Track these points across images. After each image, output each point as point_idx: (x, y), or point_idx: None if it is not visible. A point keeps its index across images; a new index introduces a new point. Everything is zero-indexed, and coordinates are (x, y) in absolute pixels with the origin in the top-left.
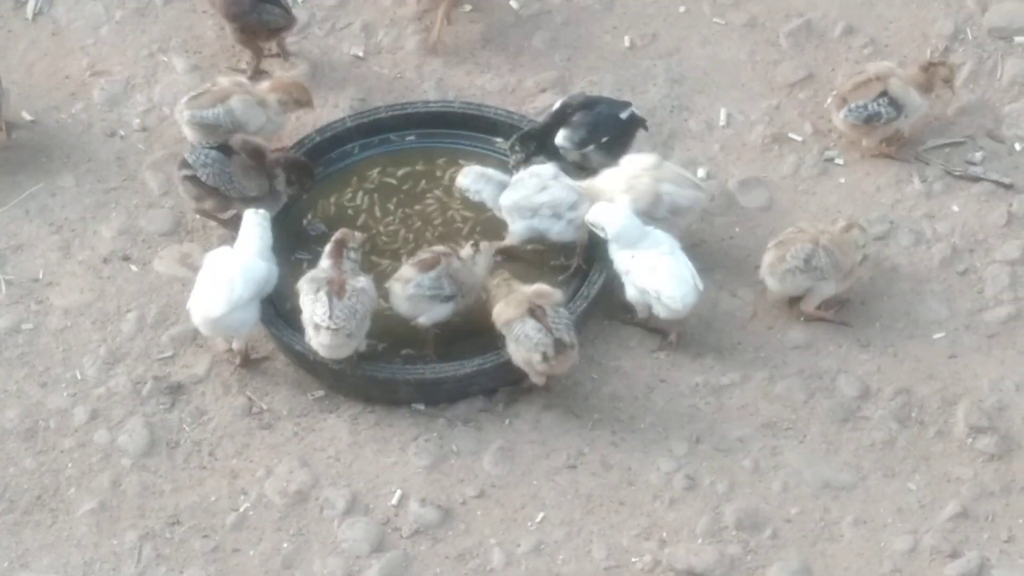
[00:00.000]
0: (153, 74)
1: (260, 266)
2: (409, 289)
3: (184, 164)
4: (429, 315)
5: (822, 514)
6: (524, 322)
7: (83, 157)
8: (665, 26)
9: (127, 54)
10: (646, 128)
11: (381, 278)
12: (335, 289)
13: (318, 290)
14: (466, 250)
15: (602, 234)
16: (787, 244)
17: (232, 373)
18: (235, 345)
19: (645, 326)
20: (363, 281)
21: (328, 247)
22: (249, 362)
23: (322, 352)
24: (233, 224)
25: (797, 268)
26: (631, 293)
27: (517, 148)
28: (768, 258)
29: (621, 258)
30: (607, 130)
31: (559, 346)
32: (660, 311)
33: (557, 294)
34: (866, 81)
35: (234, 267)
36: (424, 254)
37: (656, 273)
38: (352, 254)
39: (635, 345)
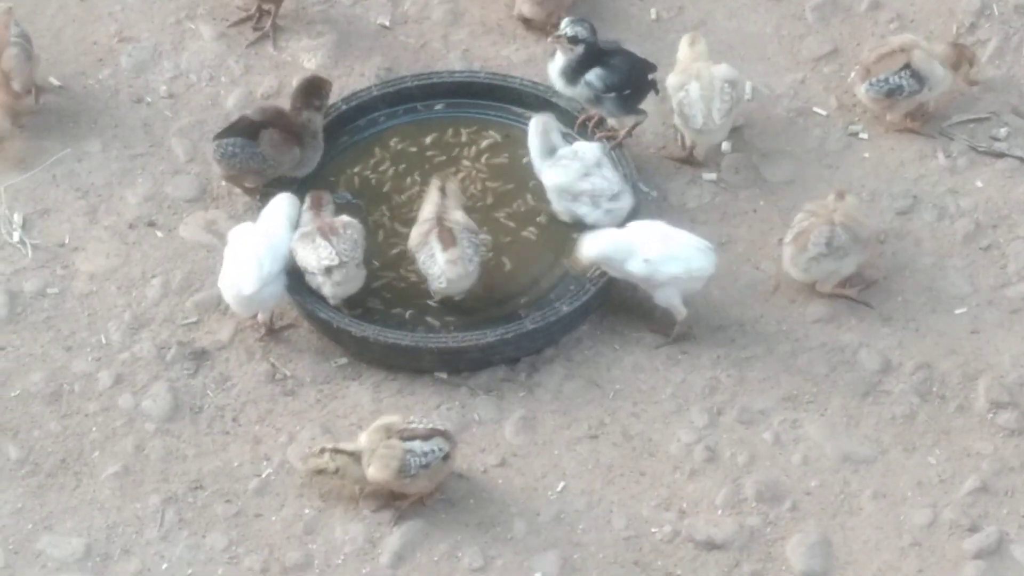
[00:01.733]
0: (180, 41)
1: (285, 239)
2: (420, 263)
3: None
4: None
5: (842, 487)
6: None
7: (110, 123)
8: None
9: (154, 21)
10: (656, 92)
11: (404, 247)
12: (327, 231)
13: (313, 239)
14: (433, 195)
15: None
16: (804, 234)
17: (256, 340)
18: (260, 316)
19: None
20: (345, 217)
21: (306, 203)
22: (273, 331)
23: (338, 291)
24: (259, 193)
25: (821, 254)
26: (664, 295)
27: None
28: (788, 252)
29: (636, 267)
30: (633, 83)
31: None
32: (692, 286)
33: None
34: (890, 53)
35: (260, 243)
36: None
37: (678, 261)
38: (329, 208)
39: (658, 316)
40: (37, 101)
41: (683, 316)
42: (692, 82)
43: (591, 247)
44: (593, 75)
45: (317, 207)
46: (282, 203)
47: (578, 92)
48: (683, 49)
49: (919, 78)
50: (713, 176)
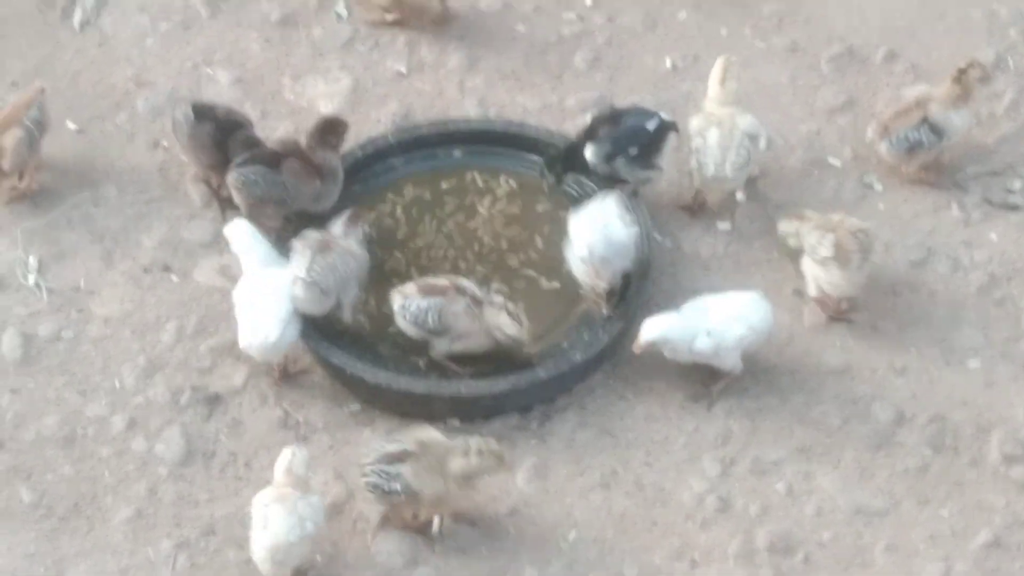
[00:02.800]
0: (197, 86)
1: (281, 276)
2: (395, 307)
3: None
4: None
5: (855, 539)
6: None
7: (126, 167)
8: (707, 48)
9: (172, 65)
10: (677, 131)
11: None
12: (321, 247)
13: (305, 247)
14: (493, 298)
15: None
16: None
17: (269, 385)
18: (275, 360)
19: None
20: (356, 247)
21: (344, 217)
22: (288, 375)
23: (295, 304)
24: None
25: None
26: (732, 359)
27: (546, 172)
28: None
29: (702, 344)
30: (635, 141)
31: None
32: (758, 339)
33: None
34: (906, 109)
35: (265, 290)
36: (438, 279)
37: (739, 321)
38: (361, 230)
39: (671, 366)
40: (23, 184)
41: (739, 371)
42: (712, 129)
43: (652, 330)
44: (589, 154)
45: (354, 222)
46: (247, 238)
47: (604, 173)
48: (713, 85)
49: (938, 131)
50: (727, 226)
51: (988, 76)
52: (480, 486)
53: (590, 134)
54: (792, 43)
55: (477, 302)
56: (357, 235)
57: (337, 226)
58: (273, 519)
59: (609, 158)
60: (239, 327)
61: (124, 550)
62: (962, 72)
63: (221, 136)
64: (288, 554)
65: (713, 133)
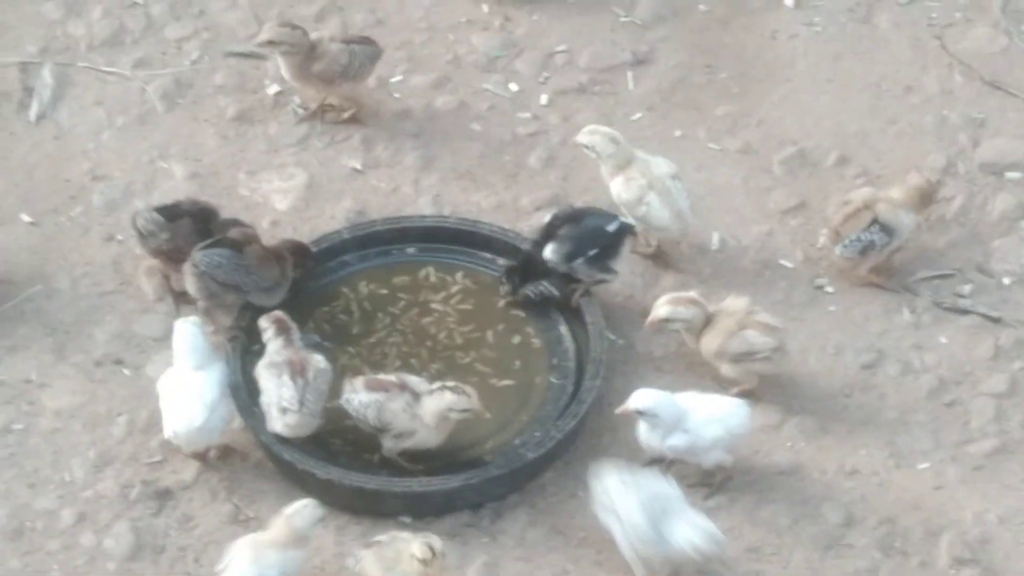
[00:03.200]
0: (152, 180)
1: (215, 368)
2: (342, 399)
3: (196, 265)
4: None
5: None
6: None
7: (80, 260)
8: (661, 150)
9: (128, 159)
10: (635, 234)
11: None
12: (297, 371)
13: (280, 374)
14: (430, 386)
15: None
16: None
17: (220, 480)
18: (211, 451)
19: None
20: (321, 361)
21: (270, 331)
22: (225, 457)
23: (287, 432)
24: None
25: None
26: (712, 457)
27: (503, 281)
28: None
29: (676, 440)
30: (595, 242)
31: None
32: (735, 443)
33: None
34: (855, 212)
35: (194, 379)
36: (388, 376)
37: (717, 422)
38: (295, 331)
39: (622, 465)
40: None
41: (730, 464)
42: (649, 194)
43: (643, 399)
44: (548, 252)
45: (285, 332)
46: (190, 335)
47: (563, 271)
48: (606, 148)
49: (888, 230)
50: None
51: (935, 189)
52: None
53: (550, 233)
54: (745, 145)
55: (416, 396)
56: (311, 341)
57: (273, 344)
58: (237, 561)
59: (569, 258)
60: (164, 416)
61: None
62: (932, 184)
63: (202, 225)
64: None
65: (653, 198)
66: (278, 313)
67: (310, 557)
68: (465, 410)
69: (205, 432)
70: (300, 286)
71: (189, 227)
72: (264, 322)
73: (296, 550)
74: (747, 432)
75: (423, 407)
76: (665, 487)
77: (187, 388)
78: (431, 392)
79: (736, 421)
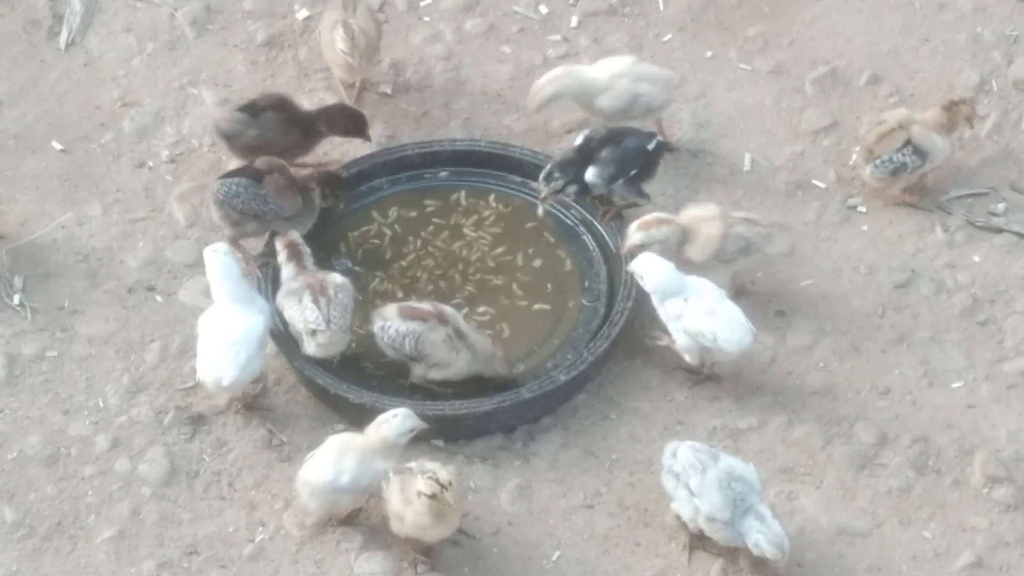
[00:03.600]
0: (183, 106)
1: (255, 321)
2: (375, 328)
3: (215, 193)
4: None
5: (836, 560)
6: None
7: (111, 187)
8: (692, 71)
9: (158, 86)
10: (671, 150)
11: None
12: (317, 291)
13: (300, 299)
14: (471, 331)
15: (643, 284)
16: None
17: (236, 412)
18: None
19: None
20: (338, 277)
21: (282, 255)
22: (251, 407)
23: (320, 353)
24: (259, 258)
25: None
26: (683, 340)
27: (556, 175)
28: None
29: (672, 304)
30: (635, 163)
31: None
32: (716, 355)
33: None
34: (889, 132)
35: (233, 331)
36: (422, 304)
37: (714, 317)
38: (307, 256)
39: (655, 387)
40: None
41: (695, 363)
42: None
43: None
44: (590, 175)
45: (296, 258)
46: (221, 266)
47: (599, 194)
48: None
49: (921, 153)
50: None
51: (974, 115)
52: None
53: (589, 156)
54: (777, 65)
55: (460, 335)
56: (343, 266)
57: (287, 270)
58: (319, 457)
59: (611, 180)
60: (198, 359)
61: (106, 570)
62: (953, 104)
63: (286, 113)
64: (318, 497)
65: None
66: (292, 236)
67: None
68: (501, 367)
69: (233, 388)
70: (331, 213)
71: (273, 118)
72: (278, 244)
73: (384, 460)
74: (734, 354)
75: (471, 344)
76: (744, 470)
77: (224, 339)
78: (474, 330)
79: (727, 336)
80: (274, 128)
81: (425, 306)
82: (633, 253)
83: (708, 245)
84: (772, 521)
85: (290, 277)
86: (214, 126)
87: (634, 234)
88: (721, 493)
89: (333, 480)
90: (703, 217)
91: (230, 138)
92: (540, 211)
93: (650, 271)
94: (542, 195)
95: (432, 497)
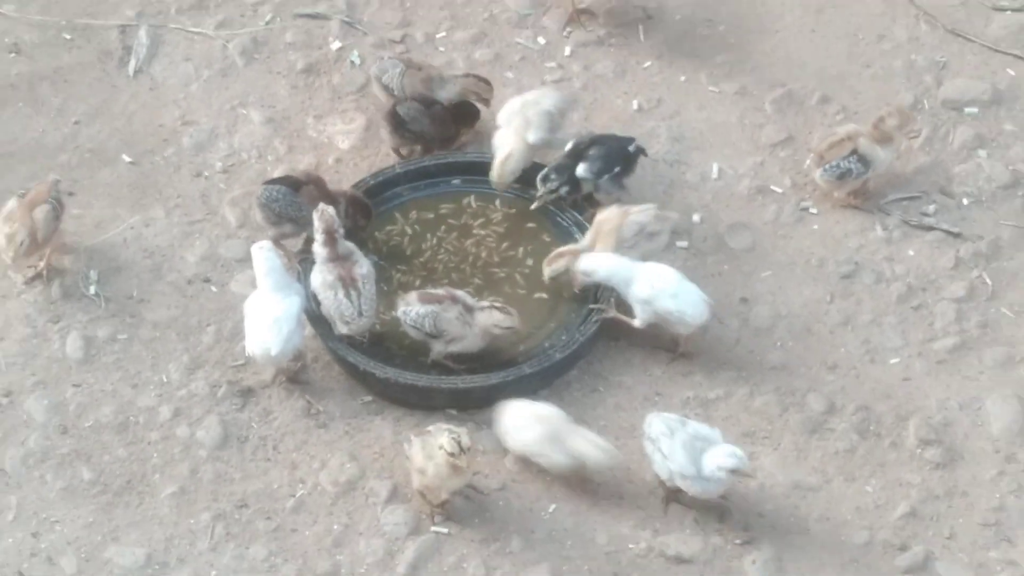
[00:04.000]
0: (234, 125)
1: (293, 301)
2: (399, 312)
3: (258, 197)
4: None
5: (792, 511)
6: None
7: (173, 194)
8: (668, 92)
9: (212, 107)
10: (647, 155)
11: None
12: (349, 284)
13: (336, 293)
14: (481, 303)
15: (596, 279)
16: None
17: (281, 386)
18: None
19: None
20: (364, 265)
21: (320, 235)
22: (294, 381)
23: (349, 332)
24: (299, 254)
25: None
26: (648, 318)
27: (552, 177)
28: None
29: (639, 289)
30: (618, 161)
31: None
32: (679, 328)
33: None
34: (839, 141)
35: (275, 310)
36: (437, 290)
37: (677, 299)
38: (341, 236)
39: (636, 363)
40: (42, 264)
41: (638, 326)
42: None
43: (593, 263)
44: (581, 170)
45: (332, 244)
46: (265, 261)
47: (588, 189)
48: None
49: (865, 161)
50: (685, 243)
51: (907, 120)
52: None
53: (579, 154)
54: (741, 87)
55: (468, 309)
56: (342, 233)
57: (322, 252)
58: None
59: (599, 174)
60: (246, 337)
61: (169, 521)
62: (880, 120)
63: (454, 110)
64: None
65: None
66: (329, 221)
67: (370, 443)
68: (508, 327)
69: (279, 359)
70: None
71: (442, 112)
72: (317, 222)
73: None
74: (696, 327)
75: (475, 319)
76: (710, 432)
77: (268, 317)
78: (482, 308)
79: (692, 312)
80: (441, 121)
81: (439, 291)
82: (576, 282)
83: (610, 236)
84: (726, 445)
85: (325, 268)
86: (395, 111)
87: (545, 271)
88: (686, 452)
89: None
90: (603, 218)
91: (405, 123)
92: (534, 205)
93: (595, 266)
94: (539, 194)
95: (452, 455)
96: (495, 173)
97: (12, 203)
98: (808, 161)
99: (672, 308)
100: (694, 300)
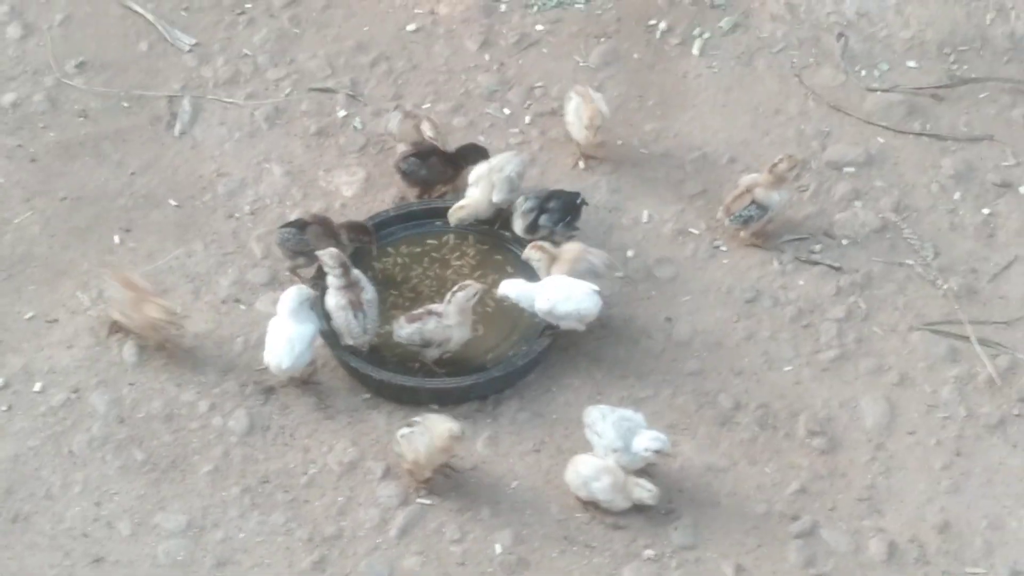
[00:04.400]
0: (259, 176)
1: (307, 328)
2: (394, 332)
3: (277, 238)
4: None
5: (706, 488)
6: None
7: (210, 231)
8: (608, 154)
9: (242, 162)
10: (587, 204)
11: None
12: (357, 307)
13: (347, 315)
14: (442, 306)
15: (511, 301)
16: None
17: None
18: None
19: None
20: (370, 293)
21: (335, 271)
22: (305, 383)
23: (355, 344)
24: (311, 280)
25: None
26: (551, 319)
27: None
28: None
29: (540, 303)
30: (569, 211)
31: None
32: (587, 321)
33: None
34: (740, 194)
35: (291, 333)
36: (418, 310)
37: (571, 299)
38: (351, 269)
39: (582, 369)
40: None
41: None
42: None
43: (508, 288)
44: (543, 219)
45: (346, 272)
46: (294, 299)
47: (543, 235)
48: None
49: (762, 207)
50: (621, 273)
51: (795, 164)
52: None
53: (542, 208)
54: (666, 150)
55: (440, 315)
56: (349, 265)
57: (336, 278)
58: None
59: (557, 222)
60: (265, 349)
61: (206, 494)
62: (774, 165)
63: (449, 158)
64: None
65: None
66: (337, 255)
67: (368, 432)
68: (476, 292)
69: (289, 371)
70: (366, 251)
71: (438, 162)
72: (331, 260)
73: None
74: (593, 315)
75: (447, 317)
76: (634, 416)
77: (284, 337)
78: (450, 301)
79: (586, 305)
80: (436, 169)
81: (420, 311)
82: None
83: (566, 264)
84: (651, 430)
85: (336, 286)
86: (399, 164)
87: (451, 218)
88: (615, 430)
89: None
90: (568, 248)
91: (406, 174)
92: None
93: (507, 292)
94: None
95: (455, 438)
96: (449, 214)
97: None
98: (720, 211)
99: (570, 309)
100: (585, 295)
